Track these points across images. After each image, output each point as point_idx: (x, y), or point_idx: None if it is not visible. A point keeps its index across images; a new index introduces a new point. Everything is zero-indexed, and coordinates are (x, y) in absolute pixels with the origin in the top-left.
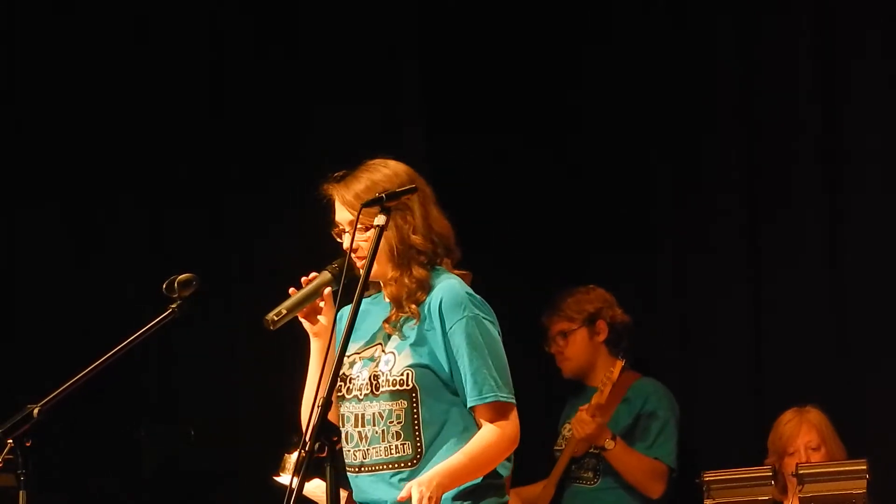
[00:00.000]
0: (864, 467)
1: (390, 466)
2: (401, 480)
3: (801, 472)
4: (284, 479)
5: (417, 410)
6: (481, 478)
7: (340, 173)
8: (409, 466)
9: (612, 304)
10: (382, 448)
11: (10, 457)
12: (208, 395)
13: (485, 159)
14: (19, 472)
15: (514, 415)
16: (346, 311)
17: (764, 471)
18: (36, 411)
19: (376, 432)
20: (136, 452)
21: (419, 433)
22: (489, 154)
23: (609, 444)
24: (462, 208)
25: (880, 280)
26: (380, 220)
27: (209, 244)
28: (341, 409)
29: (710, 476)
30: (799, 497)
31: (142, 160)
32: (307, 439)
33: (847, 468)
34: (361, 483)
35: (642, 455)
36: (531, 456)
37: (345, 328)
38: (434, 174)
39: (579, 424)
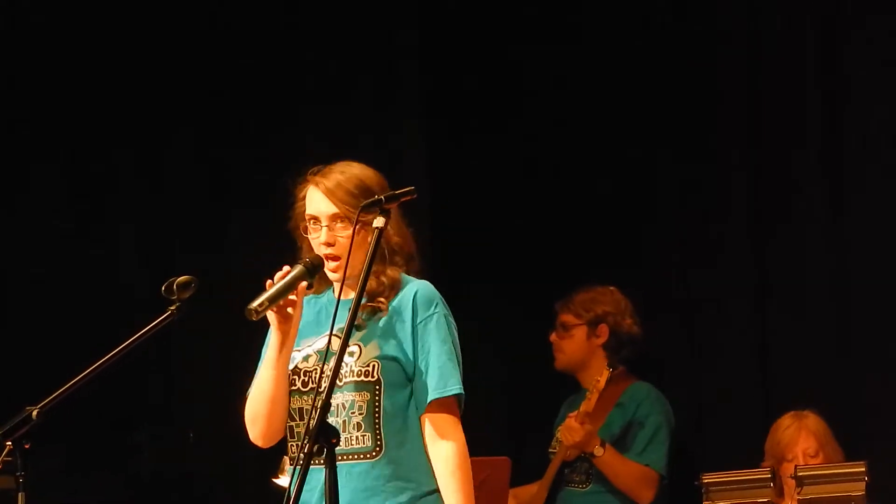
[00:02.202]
0: (863, 469)
1: (349, 458)
2: (359, 473)
3: (801, 474)
4: (283, 481)
5: (379, 403)
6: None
7: (315, 168)
8: (368, 458)
9: (623, 311)
10: (343, 439)
11: (9, 459)
12: (207, 397)
13: (484, 159)
14: (18, 474)
15: (459, 415)
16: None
17: (763, 473)
18: (35, 413)
19: (337, 423)
20: (136, 454)
21: (379, 426)
22: (488, 154)
23: (598, 450)
24: (460, 206)
25: (883, 283)
26: (378, 222)
27: (211, 242)
28: (296, 404)
29: (708, 478)
30: (798, 499)
31: (145, 159)
32: (306, 441)
33: (846, 470)
34: (317, 475)
35: (632, 462)
36: (530, 455)
37: (345, 326)
38: (433, 170)
39: (567, 431)
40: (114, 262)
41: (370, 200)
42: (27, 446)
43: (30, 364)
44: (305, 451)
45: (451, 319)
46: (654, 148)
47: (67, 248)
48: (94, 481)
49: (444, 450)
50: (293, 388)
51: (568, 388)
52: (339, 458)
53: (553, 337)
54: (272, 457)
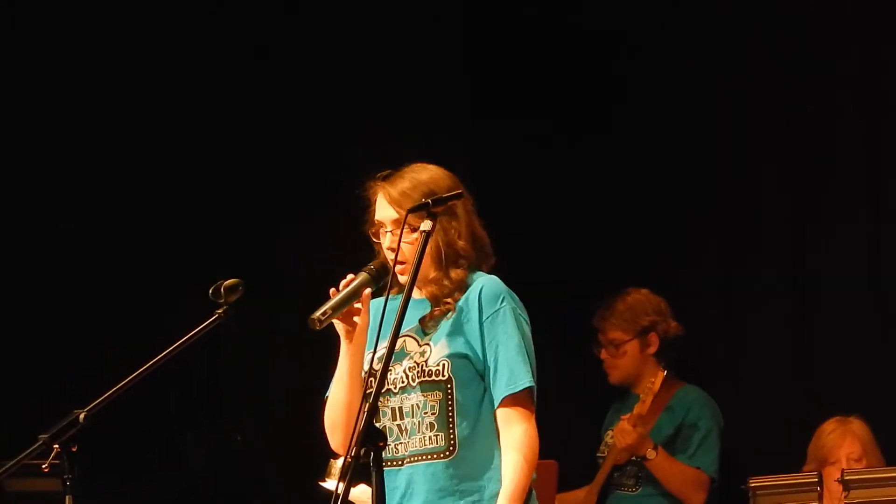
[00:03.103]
0: None
1: (424, 458)
2: (433, 473)
3: (847, 478)
4: (330, 484)
5: (452, 402)
6: None
7: (385, 172)
8: (443, 458)
9: (665, 316)
10: (417, 439)
11: (57, 461)
12: (254, 400)
13: (528, 153)
14: (65, 476)
15: (533, 409)
16: (374, 304)
17: (810, 477)
18: (82, 416)
19: (414, 423)
20: (182, 457)
21: (452, 425)
22: (532, 148)
23: (651, 453)
24: (505, 202)
25: None
26: (426, 225)
27: (255, 244)
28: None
29: (755, 482)
30: (845, 503)
31: (184, 163)
32: (353, 445)
33: (893, 474)
34: (402, 478)
35: (684, 465)
36: (575, 461)
37: (390, 333)
38: (477, 164)
39: (621, 434)
40: (159, 263)
41: (416, 205)
42: (74, 449)
43: (76, 366)
44: (352, 454)
45: (521, 311)
46: (692, 147)
47: (114, 248)
48: (138, 484)
49: (512, 439)
50: (368, 390)
51: (614, 391)
52: (413, 458)
53: (604, 355)
54: (318, 459)
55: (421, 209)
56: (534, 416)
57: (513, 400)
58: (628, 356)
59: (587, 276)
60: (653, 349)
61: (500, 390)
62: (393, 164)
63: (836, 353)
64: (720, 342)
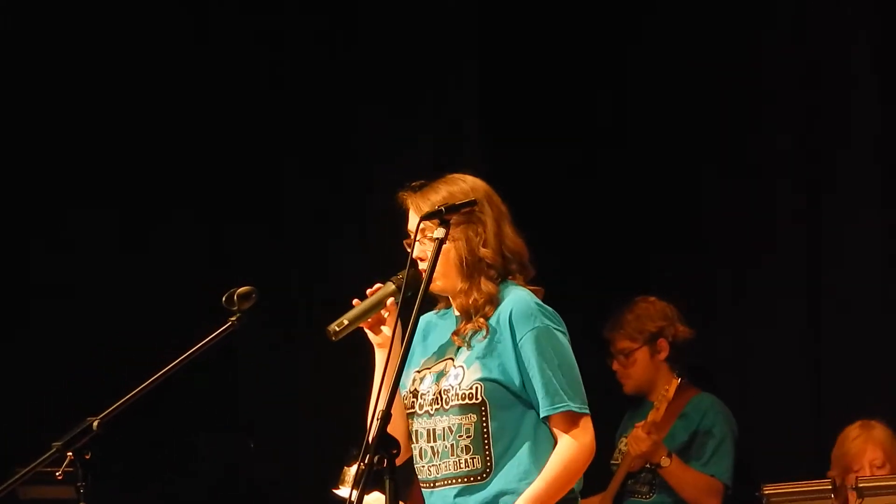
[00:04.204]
0: None
1: (459, 481)
2: (471, 495)
3: (861, 485)
4: (344, 492)
5: (487, 424)
6: None
7: (418, 183)
8: (479, 480)
9: (673, 320)
10: (452, 462)
11: (70, 469)
12: (268, 407)
13: (541, 166)
14: (79, 484)
15: (588, 425)
16: (421, 320)
17: (824, 484)
18: (95, 424)
19: (446, 447)
20: (195, 463)
21: (488, 447)
22: (546, 161)
23: (665, 461)
24: (521, 214)
25: None
26: (439, 233)
27: (271, 251)
28: (414, 426)
29: (770, 489)
30: None
31: (200, 172)
32: (366, 453)
33: None
34: (436, 499)
35: (698, 472)
36: (589, 468)
37: (404, 342)
38: (492, 180)
39: (635, 441)
40: (174, 272)
41: (429, 212)
42: (87, 457)
43: (90, 374)
44: (366, 462)
45: (555, 325)
46: (702, 146)
47: (128, 256)
48: (151, 490)
49: (554, 452)
50: (410, 410)
51: (628, 398)
52: (447, 482)
53: (616, 366)
54: (332, 467)
55: (434, 217)
56: (582, 427)
57: (554, 420)
58: (639, 364)
59: (600, 281)
60: (663, 355)
61: (542, 411)
62: (404, 174)
63: (847, 356)
64: (729, 346)
